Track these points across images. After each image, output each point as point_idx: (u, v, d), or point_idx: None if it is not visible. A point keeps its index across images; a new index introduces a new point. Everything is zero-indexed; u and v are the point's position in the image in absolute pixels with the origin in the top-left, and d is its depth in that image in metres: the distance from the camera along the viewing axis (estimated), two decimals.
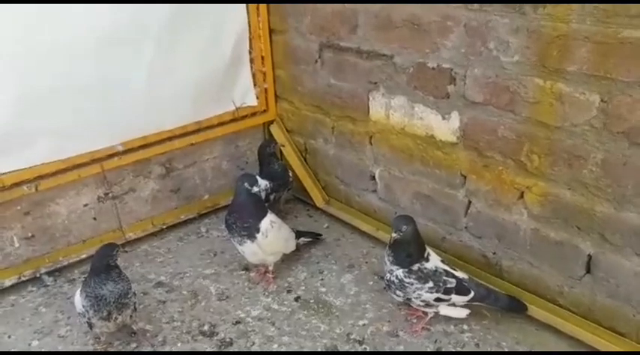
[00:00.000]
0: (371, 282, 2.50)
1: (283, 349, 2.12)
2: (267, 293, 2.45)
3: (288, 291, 2.46)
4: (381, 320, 2.25)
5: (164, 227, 2.90)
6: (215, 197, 3.11)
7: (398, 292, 2.12)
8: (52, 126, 2.34)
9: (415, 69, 2.35)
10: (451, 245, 2.50)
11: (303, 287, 2.48)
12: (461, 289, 2.11)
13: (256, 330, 2.23)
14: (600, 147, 1.88)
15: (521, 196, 2.16)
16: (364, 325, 2.24)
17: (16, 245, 2.48)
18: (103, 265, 1.95)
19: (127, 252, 2.72)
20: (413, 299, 2.12)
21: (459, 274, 2.16)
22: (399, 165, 2.61)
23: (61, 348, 2.13)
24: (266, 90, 3.08)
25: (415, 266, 2.10)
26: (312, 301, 2.39)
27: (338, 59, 2.70)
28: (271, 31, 2.95)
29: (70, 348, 2.13)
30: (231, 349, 2.13)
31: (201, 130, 2.89)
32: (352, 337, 2.17)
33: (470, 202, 2.35)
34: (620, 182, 1.87)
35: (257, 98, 3.06)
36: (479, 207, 2.32)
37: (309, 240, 2.73)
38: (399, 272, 2.10)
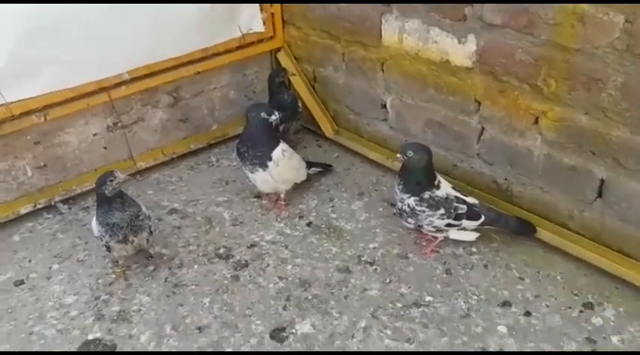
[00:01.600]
0: (381, 209, 2.53)
1: (297, 270, 2.18)
2: (279, 220, 2.49)
3: (300, 217, 2.50)
4: (391, 244, 2.31)
5: (174, 156, 2.90)
6: (224, 127, 3.09)
7: (409, 219, 2.15)
8: (59, 56, 2.28)
9: None
10: (462, 172, 2.50)
11: (315, 214, 2.52)
12: (471, 214, 2.14)
13: (270, 253, 2.28)
14: (621, 69, 1.84)
15: (536, 121, 2.14)
16: (374, 248, 2.29)
17: (29, 174, 2.50)
18: (103, 195, 1.96)
19: (139, 180, 2.74)
20: (424, 226, 2.16)
21: (470, 200, 2.18)
22: (411, 93, 2.57)
23: (80, 272, 2.20)
24: (273, 15, 2.96)
25: (426, 194, 2.11)
26: (323, 226, 2.43)
27: None
28: None
29: (89, 271, 2.20)
30: (246, 271, 2.19)
31: (208, 58, 2.81)
32: (363, 259, 2.23)
33: (483, 129, 2.34)
34: (638, 106, 1.84)
35: (264, 24, 2.96)
36: (492, 133, 2.30)
37: (319, 170, 2.74)
38: (411, 200, 2.12)
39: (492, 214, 2.18)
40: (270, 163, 2.31)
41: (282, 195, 2.54)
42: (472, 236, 2.19)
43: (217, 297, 2.06)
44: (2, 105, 2.23)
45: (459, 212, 2.12)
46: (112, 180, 1.93)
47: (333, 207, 2.56)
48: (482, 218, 2.14)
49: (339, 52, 2.83)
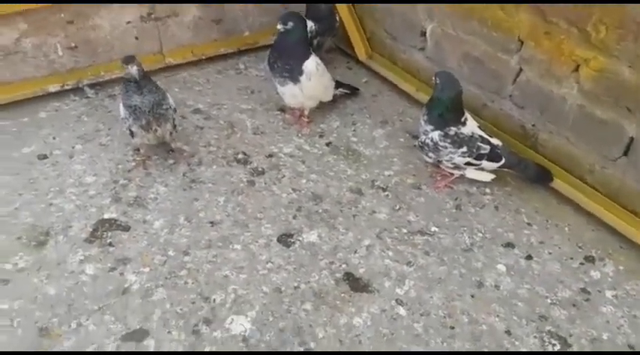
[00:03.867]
0: (402, 139, 2.52)
1: (311, 185, 2.22)
2: (300, 135, 2.50)
3: (320, 136, 2.51)
4: (406, 174, 2.32)
5: (203, 58, 2.88)
6: (255, 34, 3.03)
7: (430, 154, 2.14)
8: None
9: None
10: (491, 112, 2.46)
11: (335, 135, 2.52)
12: (493, 155, 2.13)
13: (287, 165, 2.31)
14: None
15: (576, 69, 2.07)
16: (389, 175, 2.31)
17: (60, 53, 2.51)
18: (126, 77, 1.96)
19: (167, 77, 2.74)
20: (444, 162, 2.15)
21: (494, 141, 2.16)
22: (454, 22, 2.47)
23: (102, 155, 2.26)
24: None
25: (451, 130, 2.09)
26: (342, 148, 2.44)
27: None
28: None
29: (110, 156, 2.26)
30: (262, 178, 2.23)
31: None
32: (376, 184, 2.25)
33: (521, 70, 2.27)
34: None
35: None
36: (529, 75, 2.24)
37: (346, 91, 2.71)
38: (435, 134, 2.09)
39: (513, 158, 2.17)
40: (302, 77, 2.28)
41: (306, 112, 2.53)
42: (488, 177, 2.19)
43: (232, 198, 2.12)
44: None
45: (481, 152, 2.11)
46: (135, 70, 1.93)
47: (354, 130, 2.56)
48: (503, 160, 2.13)
49: None
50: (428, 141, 2.11)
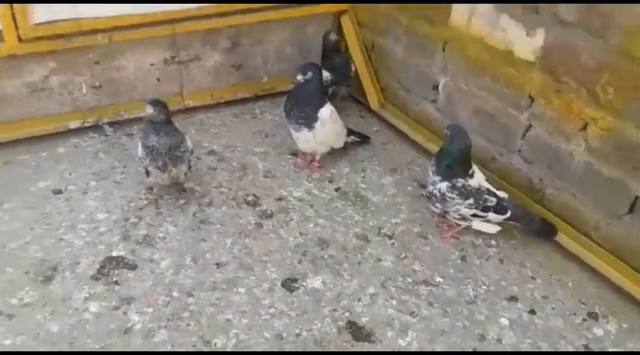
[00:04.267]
0: (410, 187, 2.55)
1: (318, 229, 2.24)
2: (310, 180, 2.54)
3: (330, 181, 2.55)
4: (413, 222, 2.33)
5: (221, 101, 2.97)
6: (274, 81, 3.13)
7: (438, 204, 2.16)
8: None
9: None
10: (499, 166, 2.49)
11: (345, 181, 2.56)
12: (499, 208, 2.14)
13: (296, 209, 2.34)
14: None
15: (585, 127, 2.10)
16: (396, 223, 2.32)
17: (84, 91, 2.61)
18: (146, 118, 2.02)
19: (184, 118, 2.82)
20: (451, 212, 2.17)
21: (500, 193, 2.18)
22: (467, 78, 2.54)
23: (115, 192, 2.31)
24: None
25: (459, 182, 2.11)
26: (350, 194, 2.47)
27: None
28: None
29: (124, 193, 2.31)
30: (270, 221, 2.26)
31: (274, 8, 2.84)
32: (383, 231, 2.27)
33: (530, 125, 2.30)
34: None
35: None
36: (538, 131, 2.27)
37: (357, 140, 2.76)
38: (443, 185, 2.11)
39: (519, 210, 2.18)
40: (316, 124, 2.35)
41: (318, 157, 2.59)
42: (494, 229, 2.19)
43: (239, 240, 2.14)
44: (74, 19, 2.32)
45: (488, 204, 2.12)
46: (155, 109, 1.99)
47: (363, 177, 2.59)
48: (509, 213, 2.14)
49: (402, 24, 2.81)
50: (435, 191, 2.13)
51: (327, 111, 2.38)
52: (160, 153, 2.04)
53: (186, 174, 2.21)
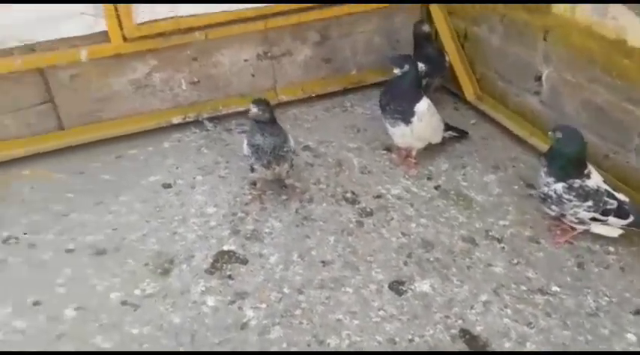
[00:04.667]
0: (516, 186, 2.44)
1: (421, 230, 2.20)
2: (407, 177, 2.49)
3: (429, 179, 2.48)
4: (523, 225, 2.23)
5: (312, 95, 2.96)
6: (362, 73, 3.09)
7: (554, 207, 2.04)
8: None
9: None
10: (614, 165, 2.33)
11: (444, 178, 2.49)
12: (620, 212, 2.00)
13: (395, 207, 2.31)
14: None
15: None
16: (504, 226, 2.23)
17: (184, 88, 2.68)
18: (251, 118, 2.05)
19: (280, 114, 2.83)
20: (568, 216, 2.05)
21: (621, 197, 2.04)
22: (573, 69, 2.39)
23: (221, 187, 2.37)
24: None
25: (576, 183, 1.99)
26: (452, 192, 2.40)
27: None
28: None
29: (229, 189, 2.36)
30: (370, 219, 2.24)
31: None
32: (491, 234, 2.19)
33: None
34: None
35: None
36: None
37: (455, 135, 2.67)
38: (559, 186, 1.99)
39: None
40: (413, 118, 2.29)
41: (414, 153, 2.53)
42: (615, 232, 2.06)
43: (342, 238, 2.14)
44: (173, 18, 2.38)
45: (608, 207, 1.99)
46: (259, 109, 2.01)
47: (464, 175, 2.51)
48: (632, 218, 2.00)
49: (499, 13, 2.68)
50: (551, 193, 2.02)
51: (424, 105, 2.32)
52: (265, 152, 2.07)
53: (288, 171, 2.23)
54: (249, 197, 2.31)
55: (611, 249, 2.11)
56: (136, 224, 2.16)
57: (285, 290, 1.92)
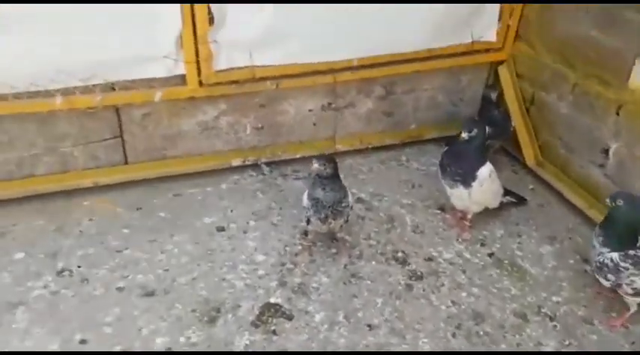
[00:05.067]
0: (572, 261, 2.36)
1: (472, 300, 2.14)
2: (460, 240, 2.45)
3: (482, 245, 2.43)
4: (577, 303, 2.15)
5: (369, 147, 2.98)
6: (421, 128, 3.09)
7: (609, 275, 1.97)
8: (307, 31, 2.45)
9: None
10: None
11: (498, 245, 2.43)
12: None
13: (447, 273, 2.26)
14: None
15: None
16: (558, 302, 2.15)
17: (248, 132, 2.76)
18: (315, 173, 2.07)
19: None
20: (624, 286, 1.97)
21: None
22: None
23: (272, 234, 2.40)
24: (508, 27, 2.86)
25: (631, 251, 1.94)
26: (506, 262, 2.34)
27: (610, 11, 2.37)
28: None
29: (280, 236, 2.39)
30: (420, 283, 2.21)
31: (431, 59, 2.81)
32: (543, 310, 2.11)
33: None
34: None
35: (497, 34, 2.86)
36: None
37: (513, 200, 2.61)
38: (615, 255, 1.94)
39: None
40: (474, 183, 2.27)
41: (469, 216, 2.48)
42: None
43: (390, 301, 2.11)
44: (249, 67, 2.47)
45: None
46: (320, 165, 2.04)
47: (519, 243, 2.45)
48: None
49: (570, 81, 2.64)
50: (607, 261, 1.96)
51: (486, 170, 2.28)
52: (324, 206, 2.09)
53: (342, 226, 2.23)
54: (299, 247, 2.32)
55: None
56: (187, 266, 2.20)
57: None
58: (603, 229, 2.00)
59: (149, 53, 2.32)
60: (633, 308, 2.04)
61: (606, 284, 2.02)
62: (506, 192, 2.54)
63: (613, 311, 2.11)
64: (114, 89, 2.36)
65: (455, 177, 2.31)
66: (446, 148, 2.45)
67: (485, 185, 2.29)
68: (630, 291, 1.98)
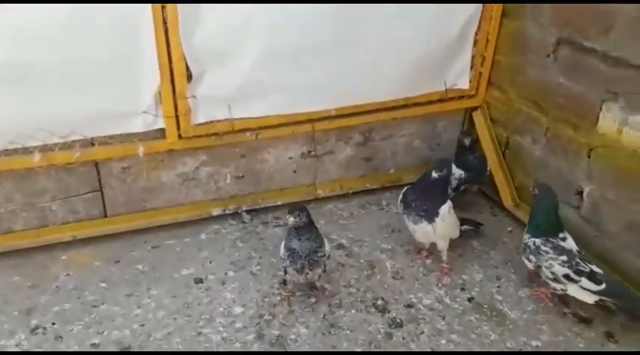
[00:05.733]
0: (551, 303, 2.36)
1: (451, 347, 2.13)
2: (440, 285, 2.45)
3: (462, 289, 2.43)
4: (556, 346, 2.14)
5: (350, 192, 3.02)
6: (400, 173, 3.14)
7: (531, 257, 2.23)
8: (285, 83, 2.52)
9: None
10: None
11: (478, 289, 2.43)
12: (593, 277, 2.13)
13: (426, 319, 2.26)
14: None
15: None
16: (537, 347, 2.15)
17: (228, 181, 2.79)
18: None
19: (315, 209, 2.89)
20: (543, 269, 2.20)
21: (595, 268, 2.17)
22: (617, 189, 2.35)
23: (251, 285, 2.39)
24: (480, 74, 2.95)
25: (553, 239, 2.21)
26: (485, 306, 2.34)
27: (576, 59, 2.46)
28: (503, 15, 2.78)
29: (259, 287, 2.38)
30: (400, 331, 2.19)
31: (408, 106, 2.89)
32: None
33: None
34: None
35: (469, 81, 2.95)
36: None
37: (471, 227, 2.69)
38: (537, 240, 2.22)
39: (616, 286, 2.16)
40: (437, 219, 2.34)
41: (444, 258, 2.50)
42: (591, 298, 2.15)
43: (369, 350, 2.09)
44: (228, 119, 2.52)
45: (580, 268, 2.14)
46: (295, 217, 2.06)
47: (499, 287, 2.45)
48: (604, 285, 2.11)
49: (543, 125, 2.71)
50: (530, 243, 2.24)
51: (447, 207, 2.38)
52: (300, 256, 2.10)
53: (320, 276, 2.24)
54: (278, 298, 2.31)
55: None
56: (163, 320, 2.18)
57: None
58: (529, 222, 2.31)
59: (128, 109, 2.36)
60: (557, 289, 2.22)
61: (530, 266, 2.28)
62: (462, 221, 2.59)
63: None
64: (93, 144, 2.40)
65: (420, 213, 2.37)
66: (409, 185, 2.50)
67: (446, 220, 2.38)
68: (550, 276, 2.19)
